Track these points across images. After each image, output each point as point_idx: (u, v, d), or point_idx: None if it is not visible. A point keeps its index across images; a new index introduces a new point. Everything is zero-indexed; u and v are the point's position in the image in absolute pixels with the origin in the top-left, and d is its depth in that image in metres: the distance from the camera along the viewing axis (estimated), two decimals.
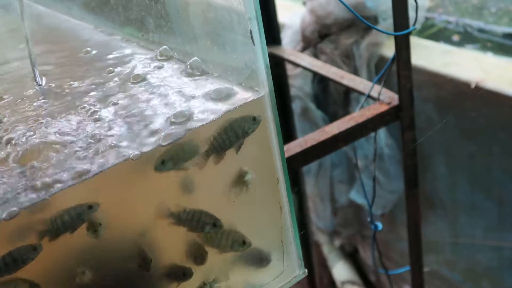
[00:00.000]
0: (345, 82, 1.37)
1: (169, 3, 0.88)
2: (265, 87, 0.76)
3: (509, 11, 2.09)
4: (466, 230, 1.70)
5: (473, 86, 1.52)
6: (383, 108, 1.24)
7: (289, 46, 1.88)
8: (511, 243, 1.55)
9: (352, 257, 2.13)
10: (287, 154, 1.14)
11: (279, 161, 0.80)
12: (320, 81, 1.81)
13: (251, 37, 0.73)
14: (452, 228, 1.74)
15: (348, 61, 1.77)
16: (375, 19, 1.80)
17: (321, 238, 2.15)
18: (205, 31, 0.85)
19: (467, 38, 1.98)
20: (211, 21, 0.83)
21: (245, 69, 0.78)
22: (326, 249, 2.14)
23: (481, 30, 2.01)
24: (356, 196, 1.78)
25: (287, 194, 0.82)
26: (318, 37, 1.82)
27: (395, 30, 1.18)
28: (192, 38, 0.88)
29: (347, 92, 1.75)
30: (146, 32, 0.94)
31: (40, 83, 0.89)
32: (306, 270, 0.87)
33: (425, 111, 1.66)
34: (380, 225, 1.31)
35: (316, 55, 1.82)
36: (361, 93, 1.33)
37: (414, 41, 1.82)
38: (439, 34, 2.02)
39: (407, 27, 1.19)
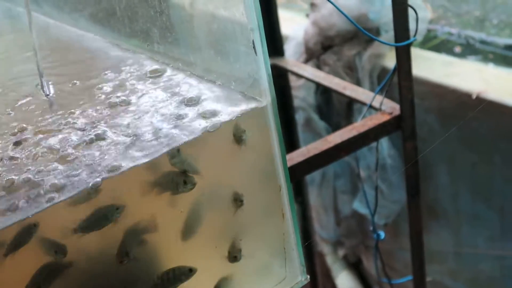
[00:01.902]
0: (348, 92, 1.38)
1: (174, 14, 0.90)
2: (267, 97, 0.78)
3: (511, 23, 2.11)
4: (468, 239, 1.71)
5: (474, 97, 1.53)
6: (385, 118, 1.26)
7: (292, 58, 1.90)
8: None
9: (355, 267, 2.14)
10: (289, 163, 1.15)
11: (281, 169, 0.82)
12: (323, 92, 1.83)
13: (254, 47, 0.75)
14: (455, 237, 1.75)
15: (351, 73, 1.79)
16: (377, 31, 1.82)
17: (324, 248, 2.16)
18: (209, 42, 0.87)
19: (469, 49, 1.99)
20: (215, 32, 0.85)
21: (248, 79, 0.80)
22: (329, 259, 2.15)
23: (483, 42, 2.02)
24: (359, 206, 1.79)
25: (289, 201, 0.83)
26: (321, 49, 1.84)
27: (396, 41, 1.20)
28: (196, 49, 0.90)
29: (350, 103, 1.77)
30: (151, 42, 0.97)
31: (48, 92, 0.91)
32: (308, 276, 0.88)
33: (427, 121, 1.67)
34: (382, 234, 1.33)
35: (319, 67, 1.84)
36: (363, 104, 1.35)
37: (416, 52, 1.84)
38: (441, 46, 2.04)
39: (408, 38, 1.21)
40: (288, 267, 0.86)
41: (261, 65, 0.76)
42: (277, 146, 0.81)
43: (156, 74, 0.89)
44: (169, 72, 0.89)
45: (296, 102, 1.80)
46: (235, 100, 0.79)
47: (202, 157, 0.74)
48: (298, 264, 0.86)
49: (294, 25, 2.02)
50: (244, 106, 0.77)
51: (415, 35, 1.21)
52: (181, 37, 0.92)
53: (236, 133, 0.75)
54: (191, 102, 0.79)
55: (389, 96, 1.31)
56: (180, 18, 0.91)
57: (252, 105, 0.78)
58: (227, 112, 0.76)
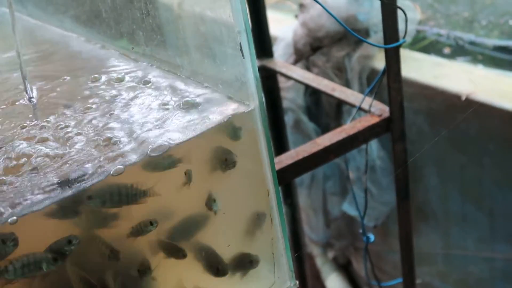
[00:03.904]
0: (337, 94, 1.38)
1: (160, 16, 0.89)
2: (255, 100, 0.77)
3: (499, 24, 2.11)
4: (458, 241, 1.71)
5: (463, 98, 1.53)
6: (374, 120, 1.25)
7: (282, 59, 1.90)
8: (502, 254, 1.56)
9: (345, 269, 2.13)
10: (278, 166, 1.14)
11: (269, 173, 0.80)
12: (313, 93, 1.82)
13: (241, 50, 0.74)
14: (444, 239, 1.74)
15: (340, 74, 1.78)
16: (366, 32, 1.82)
17: (314, 250, 2.15)
18: (196, 44, 0.86)
19: (458, 50, 1.99)
20: (202, 35, 0.84)
21: (235, 81, 0.79)
22: (319, 261, 2.14)
23: (472, 43, 2.02)
24: (348, 208, 1.79)
25: (278, 205, 0.82)
26: (310, 50, 1.84)
27: (385, 43, 1.19)
28: (183, 51, 0.89)
29: (339, 104, 1.77)
30: (137, 45, 0.95)
31: (31, 95, 0.89)
32: (297, 282, 0.87)
33: (416, 123, 1.67)
34: (372, 237, 1.32)
35: (308, 68, 1.83)
36: (352, 106, 1.34)
37: (406, 53, 1.84)
38: (430, 47, 2.04)
39: (397, 40, 1.20)
40: (277, 272, 0.85)
41: (248, 68, 0.75)
42: (265, 150, 0.80)
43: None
44: (154, 74, 0.88)
45: (285, 104, 1.79)
46: (222, 103, 0.78)
47: (190, 160, 0.73)
48: (286, 269, 0.85)
49: (283, 26, 2.01)
50: (231, 110, 0.76)
51: (404, 37, 1.20)
52: (168, 39, 0.91)
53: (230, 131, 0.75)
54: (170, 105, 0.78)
55: (378, 98, 1.30)
56: (167, 19, 0.89)
57: (240, 108, 0.76)
58: (214, 116, 0.75)
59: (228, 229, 0.79)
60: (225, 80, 0.81)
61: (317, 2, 1.15)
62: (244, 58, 0.74)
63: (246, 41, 0.74)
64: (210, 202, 0.76)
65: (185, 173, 0.72)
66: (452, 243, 1.72)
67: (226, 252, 0.79)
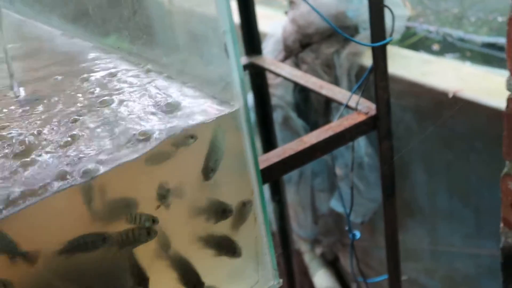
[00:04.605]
0: (324, 92, 1.38)
1: (147, 16, 0.89)
2: (239, 100, 0.77)
3: (488, 21, 2.12)
4: (444, 237, 1.72)
5: (450, 95, 1.54)
6: (361, 118, 1.26)
7: (271, 55, 1.90)
8: (488, 251, 1.57)
9: (333, 265, 2.15)
10: (265, 164, 1.15)
11: (253, 172, 0.81)
12: (301, 90, 1.83)
13: (226, 50, 0.74)
14: (431, 235, 1.76)
15: (329, 71, 1.78)
16: (355, 29, 1.82)
17: (302, 246, 2.16)
18: (182, 44, 0.86)
19: (447, 47, 2.00)
20: (188, 34, 0.84)
21: (220, 81, 0.79)
22: (307, 257, 2.15)
23: (461, 39, 2.03)
24: (336, 204, 1.80)
25: (262, 205, 0.83)
26: (299, 47, 1.84)
27: (372, 41, 1.20)
28: (169, 50, 0.89)
29: (328, 101, 1.77)
30: (124, 43, 0.95)
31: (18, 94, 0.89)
32: (281, 280, 0.87)
33: (404, 120, 1.68)
34: (358, 234, 1.33)
35: (297, 64, 1.84)
36: (340, 103, 1.35)
37: (394, 50, 1.85)
38: (419, 43, 2.05)
39: (384, 38, 1.20)
40: (261, 271, 0.85)
41: (233, 68, 0.75)
42: (249, 150, 0.80)
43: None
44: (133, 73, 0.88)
45: (274, 100, 1.80)
46: (207, 104, 0.78)
47: (175, 161, 0.73)
48: (270, 267, 0.86)
49: (273, 22, 2.01)
50: (216, 110, 0.77)
51: (391, 35, 1.21)
52: (155, 38, 0.91)
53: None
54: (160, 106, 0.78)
55: (366, 95, 1.31)
56: (155, 18, 0.90)
57: (224, 109, 0.77)
58: (198, 117, 0.75)
59: (212, 229, 0.79)
60: (210, 80, 0.82)
61: (305, 1, 1.16)
62: (229, 58, 0.75)
63: (231, 41, 0.74)
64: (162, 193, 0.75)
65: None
66: (439, 239, 1.74)
67: (209, 252, 0.80)
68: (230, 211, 0.78)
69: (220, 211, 0.78)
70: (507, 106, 0.95)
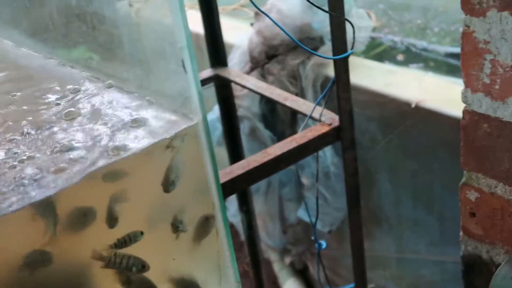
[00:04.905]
0: (289, 103, 1.39)
1: (106, 31, 0.89)
2: (198, 114, 0.78)
3: (451, 31, 2.16)
4: (410, 245, 1.74)
5: (413, 105, 1.57)
6: (324, 129, 1.28)
7: (238, 67, 1.91)
8: (452, 257, 1.60)
9: (302, 274, 2.16)
10: (230, 176, 1.16)
11: (214, 186, 0.82)
12: (268, 101, 1.84)
13: (183, 65, 0.75)
14: (397, 243, 1.78)
15: (295, 82, 1.80)
16: (321, 40, 1.85)
17: (271, 255, 2.17)
18: (141, 59, 0.86)
19: (411, 57, 2.03)
20: (148, 49, 0.85)
21: (179, 96, 0.80)
22: (276, 267, 2.16)
23: (424, 50, 2.07)
24: (303, 214, 1.81)
25: (223, 218, 0.83)
26: (265, 58, 1.85)
27: (334, 54, 1.22)
28: (129, 65, 0.90)
29: (294, 112, 1.78)
30: (85, 59, 0.96)
31: None
32: None
33: (369, 130, 1.70)
34: (324, 244, 1.34)
35: (264, 76, 1.85)
36: (304, 115, 1.36)
37: (359, 61, 1.87)
38: (384, 54, 2.08)
39: (346, 50, 1.23)
40: (224, 284, 0.86)
41: (191, 83, 0.76)
42: (209, 163, 0.81)
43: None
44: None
45: (241, 112, 1.81)
46: (167, 118, 0.79)
47: (134, 177, 0.74)
48: (233, 281, 0.87)
49: (240, 34, 2.03)
50: (174, 125, 0.77)
51: (352, 48, 1.23)
52: (114, 53, 0.91)
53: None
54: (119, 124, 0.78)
55: (331, 106, 1.32)
56: (114, 34, 0.90)
57: (183, 123, 0.77)
58: (156, 132, 0.76)
59: (174, 243, 0.80)
60: (169, 95, 0.82)
61: (267, 15, 1.17)
62: (186, 73, 0.76)
63: (188, 57, 0.75)
64: (176, 223, 0.77)
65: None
66: (405, 247, 1.76)
67: (171, 265, 0.80)
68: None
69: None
70: (463, 118, 0.98)
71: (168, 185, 0.76)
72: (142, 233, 0.73)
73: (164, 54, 0.79)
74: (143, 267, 0.73)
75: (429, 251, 1.69)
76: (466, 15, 0.92)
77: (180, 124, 0.78)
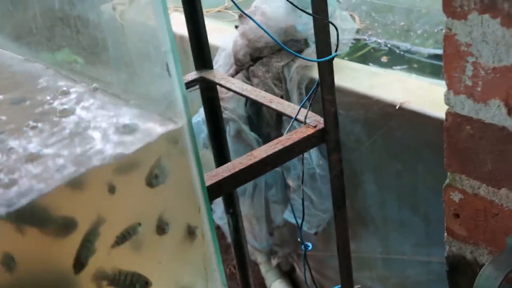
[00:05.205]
0: (274, 106, 1.40)
1: (90, 34, 0.89)
2: (183, 118, 0.78)
3: (434, 33, 2.18)
4: (396, 246, 1.75)
5: (397, 107, 1.58)
6: (310, 131, 1.28)
7: (223, 69, 1.91)
8: (438, 258, 1.61)
9: (289, 275, 2.17)
10: (215, 179, 1.16)
11: (199, 189, 0.82)
12: (253, 103, 1.84)
13: (167, 69, 0.75)
14: (383, 244, 1.79)
15: (280, 84, 1.81)
16: (305, 42, 1.85)
17: (258, 257, 2.18)
18: (126, 62, 0.86)
19: (395, 59, 2.05)
20: (133, 52, 0.85)
21: (164, 100, 0.80)
22: (263, 269, 2.17)
23: (408, 51, 2.08)
24: (289, 216, 1.81)
25: (209, 221, 0.84)
26: (250, 60, 1.86)
27: (318, 56, 1.22)
28: (113, 69, 0.90)
29: (279, 114, 1.79)
30: (69, 62, 0.95)
31: None
32: None
33: (354, 131, 1.71)
34: (310, 245, 1.35)
35: (249, 78, 1.85)
36: (289, 117, 1.37)
37: (343, 63, 1.88)
38: (368, 56, 2.09)
39: (330, 53, 1.23)
40: (210, 287, 0.86)
41: (176, 86, 0.76)
42: (194, 167, 0.81)
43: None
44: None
45: (226, 114, 1.81)
46: (151, 122, 0.79)
47: (118, 182, 0.73)
48: (219, 284, 0.87)
49: (225, 36, 2.03)
50: (159, 129, 0.77)
51: (336, 50, 1.23)
52: (101, 56, 0.91)
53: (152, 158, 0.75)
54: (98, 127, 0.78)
55: (316, 108, 1.33)
56: (98, 38, 0.90)
57: (168, 127, 0.77)
58: (140, 137, 0.76)
59: (159, 247, 0.80)
60: (154, 98, 0.82)
61: (251, 18, 1.18)
62: (170, 77, 0.76)
63: (172, 60, 0.75)
64: (162, 225, 0.77)
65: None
66: (391, 247, 1.77)
67: (158, 268, 0.80)
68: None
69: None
70: (446, 120, 0.99)
71: (151, 178, 0.76)
72: (139, 224, 0.73)
73: (149, 58, 0.79)
74: (146, 283, 0.74)
75: (415, 251, 1.70)
76: (448, 17, 0.93)
77: (165, 127, 0.78)
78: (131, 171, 0.75)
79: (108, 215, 0.72)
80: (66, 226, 0.68)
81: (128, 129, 0.76)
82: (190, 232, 0.83)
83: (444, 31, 0.94)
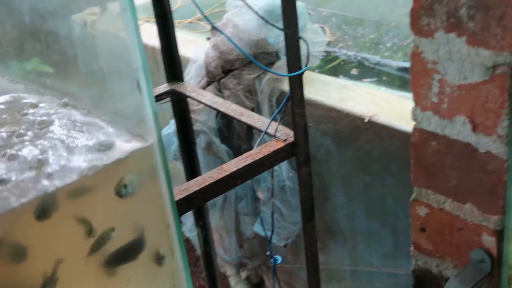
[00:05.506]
0: (244, 119, 1.41)
1: (60, 50, 0.89)
2: (153, 135, 0.78)
3: (403, 46, 2.22)
4: (364, 257, 1.77)
5: (366, 120, 1.60)
6: (279, 145, 1.29)
7: (194, 81, 1.91)
8: (405, 270, 1.63)
9: (258, 287, 2.17)
10: (185, 193, 1.16)
11: (169, 206, 0.82)
12: (224, 116, 1.85)
13: (138, 86, 0.75)
14: (352, 256, 1.81)
15: (251, 96, 1.82)
16: (276, 55, 1.87)
17: (228, 270, 2.17)
18: (97, 78, 0.86)
19: (365, 72, 2.08)
20: (102, 67, 0.85)
21: (134, 116, 0.80)
22: (232, 281, 2.17)
23: (377, 64, 2.11)
24: (259, 228, 1.82)
25: (178, 237, 0.84)
26: (222, 72, 1.86)
27: (289, 70, 1.24)
28: (83, 84, 0.89)
29: (250, 126, 1.80)
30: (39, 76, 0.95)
31: None
32: None
33: (324, 144, 1.73)
34: (279, 259, 1.35)
35: (220, 90, 1.86)
36: (260, 130, 1.38)
37: (314, 76, 1.90)
38: (339, 68, 2.11)
39: (300, 67, 1.25)
40: None
41: (146, 103, 0.76)
42: (164, 183, 0.81)
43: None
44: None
45: (197, 126, 1.81)
46: (121, 139, 0.79)
47: (85, 201, 0.73)
48: None
49: (196, 47, 2.03)
50: (129, 146, 0.77)
51: (306, 65, 1.25)
52: (72, 71, 0.91)
53: (121, 175, 0.75)
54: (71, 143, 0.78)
55: (287, 120, 1.34)
56: (69, 54, 0.89)
57: (138, 144, 0.77)
58: (111, 154, 0.75)
59: (129, 263, 0.79)
60: (124, 115, 0.82)
61: (221, 32, 1.18)
62: (141, 93, 0.76)
63: (143, 77, 0.75)
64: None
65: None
66: (359, 259, 1.79)
67: (127, 285, 0.80)
68: None
69: None
70: (413, 135, 1.00)
71: (120, 187, 0.76)
72: (113, 229, 0.73)
73: (119, 74, 0.79)
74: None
75: (383, 263, 1.72)
76: (415, 35, 0.95)
77: (135, 144, 0.78)
78: (96, 190, 0.74)
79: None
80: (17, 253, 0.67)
81: (97, 147, 0.76)
82: (158, 257, 0.83)
83: (411, 48, 0.96)
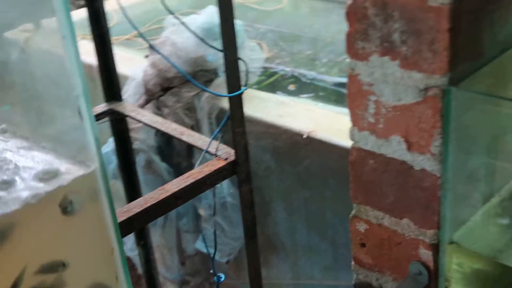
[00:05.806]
0: (185, 138, 1.41)
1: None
2: (95, 161, 0.78)
3: (338, 62, 2.27)
4: (306, 271, 1.80)
5: (305, 136, 1.63)
6: (221, 164, 1.30)
7: (133, 99, 1.90)
8: (345, 282, 1.67)
9: None
10: (127, 215, 1.15)
11: (112, 231, 0.81)
12: (164, 133, 1.84)
13: (79, 113, 0.75)
14: (294, 270, 1.83)
15: (191, 114, 1.82)
16: (215, 73, 1.88)
17: None
18: (36, 105, 0.85)
19: (302, 87, 2.12)
20: (41, 95, 0.84)
21: (75, 142, 0.79)
22: None
23: (314, 79, 2.16)
24: (201, 246, 1.82)
25: (122, 262, 0.83)
26: (160, 90, 1.86)
27: (228, 91, 1.25)
28: (22, 110, 0.88)
29: (191, 145, 1.80)
30: None
31: None
32: None
33: (264, 160, 1.75)
34: (223, 277, 1.36)
35: (159, 108, 1.85)
36: (200, 149, 1.38)
37: (252, 93, 1.92)
38: (276, 84, 2.15)
39: (239, 87, 1.26)
40: None
41: (88, 130, 0.76)
42: (107, 209, 0.80)
43: None
44: None
45: (137, 145, 1.80)
46: (62, 166, 0.78)
47: (24, 230, 0.72)
48: None
49: (134, 65, 2.02)
50: (71, 173, 0.76)
51: (245, 85, 1.27)
52: (6, 94, 0.89)
53: (62, 203, 0.74)
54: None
55: (227, 137, 1.35)
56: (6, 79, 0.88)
57: (80, 171, 0.77)
58: (52, 182, 0.74)
59: None
60: (65, 141, 0.81)
61: (158, 52, 1.19)
62: (83, 120, 0.75)
63: (84, 103, 0.75)
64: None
65: None
66: (301, 273, 1.82)
67: None
68: None
69: None
70: (351, 154, 1.03)
71: (66, 203, 0.75)
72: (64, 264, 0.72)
73: (60, 101, 0.78)
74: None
75: (324, 276, 1.75)
76: (351, 58, 0.98)
77: (76, 171, 0.77)
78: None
79: None
80: None
81: (40, 175, 0.75)
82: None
83: (348, 71, 0.99)
